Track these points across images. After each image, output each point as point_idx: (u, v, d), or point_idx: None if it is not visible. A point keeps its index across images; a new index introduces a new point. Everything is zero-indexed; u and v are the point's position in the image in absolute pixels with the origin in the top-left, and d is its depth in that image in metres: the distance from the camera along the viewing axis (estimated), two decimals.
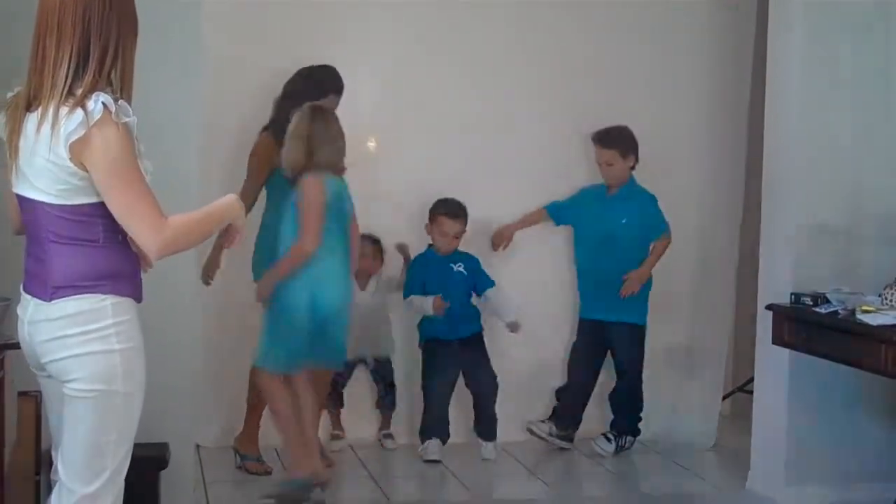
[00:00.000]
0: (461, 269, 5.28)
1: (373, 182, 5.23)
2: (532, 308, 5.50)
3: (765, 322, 4.71)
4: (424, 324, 5.37)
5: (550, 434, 5.47)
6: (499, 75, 5.52)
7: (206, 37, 4.50)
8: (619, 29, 5.62)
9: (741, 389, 6.00)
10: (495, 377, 5.37)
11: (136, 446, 4.09)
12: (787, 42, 4.77)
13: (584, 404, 5.53)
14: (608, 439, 5.44)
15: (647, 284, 5.43)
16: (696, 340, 5.74)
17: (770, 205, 4.86)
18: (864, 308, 4.18)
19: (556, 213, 5.55)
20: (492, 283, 5.36)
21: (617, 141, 5.37)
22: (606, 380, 5.59)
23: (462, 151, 5.49)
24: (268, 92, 4.97)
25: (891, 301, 4.19)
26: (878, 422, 4.82)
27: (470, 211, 5.36)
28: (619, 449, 5.45)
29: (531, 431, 5.48)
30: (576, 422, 5.52)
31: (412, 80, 5.44)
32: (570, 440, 5.50)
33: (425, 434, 5.30)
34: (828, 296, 4.38)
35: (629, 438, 5.50)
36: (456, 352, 5.30)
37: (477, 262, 5.36)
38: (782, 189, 4.80)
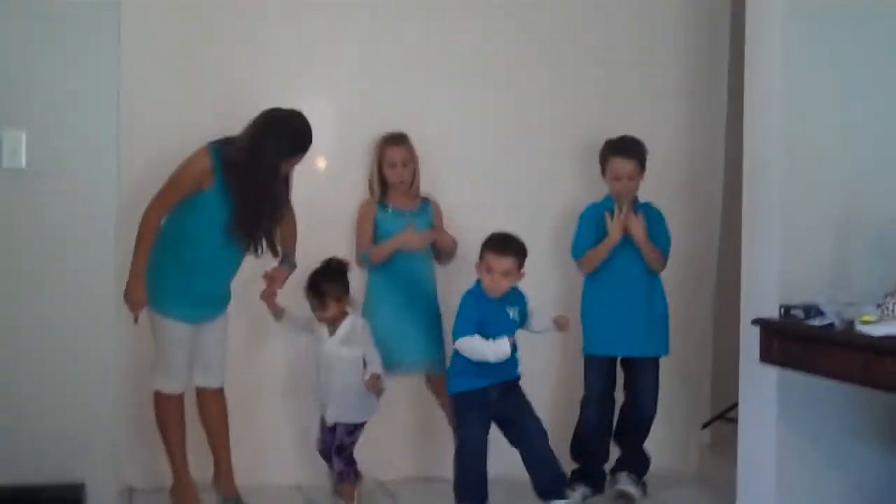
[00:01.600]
0: (515, 315, 4.65)
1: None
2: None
3: (749, 339, 4.34)
4: (457, 373, 4.68)
5: (585, 498, 4.97)
6: (480, 86, 5.32)
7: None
8: (596, 38, 5.45)
9: (722, 417, 5.65)
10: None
11: (48, 487, 3.87)
12: (767, 43, 4.46)
13: (607, 450, 5.10)
14: (635, 483, 5.04)
15: (667, 315, 5.05)
16: (674, 362, 5.34)
17: (752, 213, 4.52)
18: (864, 319, 3.81)
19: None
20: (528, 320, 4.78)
21: (638, 151, 4.98)
22: None
23: (448, 165, 5.22)
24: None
25: (893, 310, 3.82)
26: (876, 446, 4.47)
27: (460, 221, 5.09)
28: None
29: None
30: (604, 472, 5.09)
31: (402, 93, 5.19)
32: (601, 491, 5.07)
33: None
34: (821, 307, 4.00)
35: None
36: (496, 399, 4.64)
37: (524, 299, 4.72)
38: (765, 196, 4.46)
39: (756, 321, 4.22)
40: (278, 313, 4.78)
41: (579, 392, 5.09)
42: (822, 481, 4.41)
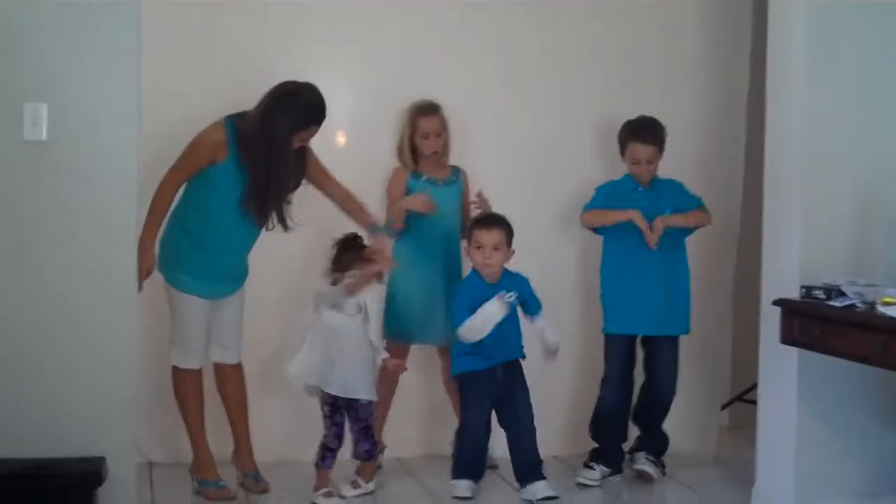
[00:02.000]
0: (513, 299, 4.61)
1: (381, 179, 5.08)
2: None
3: (770, 320, 4.32)
4: (460, 354, 4.72)
5: (605, 478, 4.99)
6: (497, 71, 5.33)
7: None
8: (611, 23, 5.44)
9: (741, 398, 5.62)
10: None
11: (68, 460, 3.88)
12: (790, 21, 4.41)
13: (626, 430, 5.10)
14: (654, 463, 5.03)
15: (688, 293, 5.03)
16: (694, 343, 5.31)
17: (773, 192, 4.48)
18: (886, 300, 3.78)
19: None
20: (540, 306, 4.77)
21: (657, 135, 4.95)
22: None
23: (465, 147, 5.16)
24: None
25: None
26: None
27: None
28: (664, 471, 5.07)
29: (583, 485, 4.93)
30: (623, 452, 5.10)
31: (413, 77, 5.17)
32: (620, 471, 5.07)
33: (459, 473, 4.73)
34: (843, 288, 3.96)
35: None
36: (497, 380, 4.69)
37: (527, 283, 4.73)
38: (787, 176, 4.41)
39: (777, 302, 4.19)
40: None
41: (600, 371, 5.08)
42: (841, 462, 4.38)
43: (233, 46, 5.03)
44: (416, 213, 4.89)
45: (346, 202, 4.75)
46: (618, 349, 4.99)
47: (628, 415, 5.08)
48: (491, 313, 4.56)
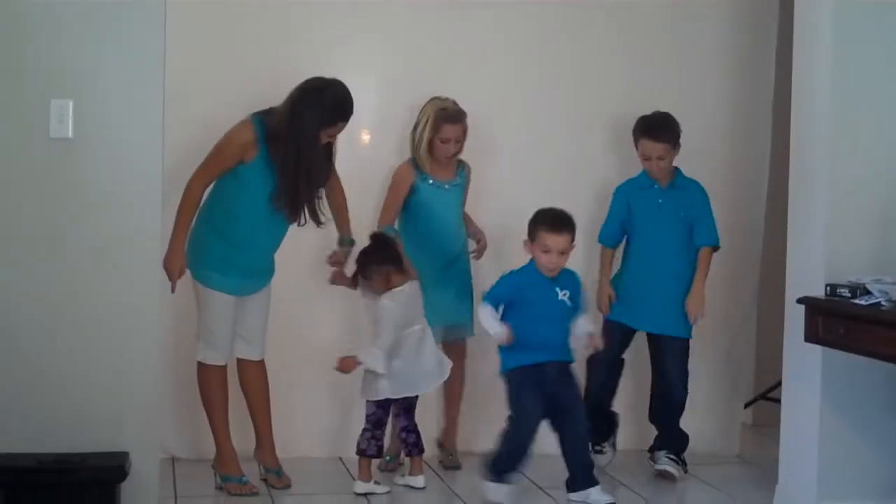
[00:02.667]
0: (566, 298, 4.51)
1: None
2: None
3: (794, 318, 4.30)
4: (506, 350, 4.58)
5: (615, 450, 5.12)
6: (518, 62, 5.30)
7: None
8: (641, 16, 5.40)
9: (764, 397, 5.60)
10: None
11: (91, 455, 3.90)
12: (815, 24, 4.39)
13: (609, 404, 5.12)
14: (675, 461, 5.00)
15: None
16: (717, 341, 5.30)
17: (798, 190, 4.46)
18: None
19: (614, 239, 5.08)
20: (583, 309, 4.62)
21: (668, 132, 4.92)
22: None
23: (482, 139, 5.14)
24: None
25: None
26: None
27: (491, 199, 5.10)
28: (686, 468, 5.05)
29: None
30: (613, 424, 5.13)
31: (429, 69, 5.16)
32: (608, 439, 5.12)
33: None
34: (868, 286, 3.94)
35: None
36: (554, 378, 4.53)
37: (579, 284, 4.59)
38: (812, 173, 4.39)
39: (801, 300, 4.17)
40: (353, 286, 4.79)
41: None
42: (865, 461, 4.35)
43: (257, 41, 5.03)
44: (415, 214, 4.94)
45: (341, 209, 4.80)
46: (610, 334, 4.92)
47: (613, 394, 5.07)
48: (488, 326, 4.50)
